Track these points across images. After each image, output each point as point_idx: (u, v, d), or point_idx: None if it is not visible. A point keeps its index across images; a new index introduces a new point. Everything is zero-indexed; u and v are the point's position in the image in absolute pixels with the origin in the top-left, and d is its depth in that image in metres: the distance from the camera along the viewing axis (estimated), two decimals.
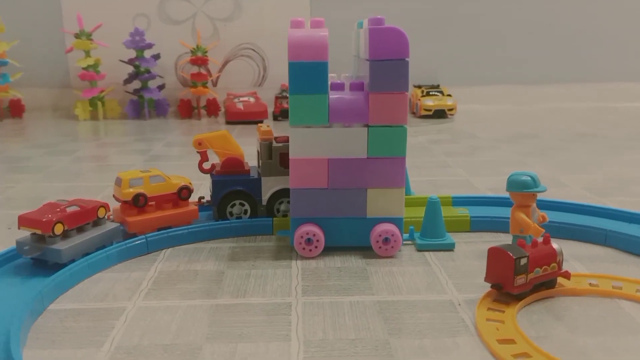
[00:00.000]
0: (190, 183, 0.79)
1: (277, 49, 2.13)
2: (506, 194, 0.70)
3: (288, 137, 0.81)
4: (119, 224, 0.72)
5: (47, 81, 2.14)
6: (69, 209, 0.67)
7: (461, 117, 1.99)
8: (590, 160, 1.25)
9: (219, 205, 0.79)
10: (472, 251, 0.73)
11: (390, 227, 0.71)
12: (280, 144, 0.79)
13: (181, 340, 0.52)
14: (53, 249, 0.64)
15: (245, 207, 0.80)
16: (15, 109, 2.01)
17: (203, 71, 2.02)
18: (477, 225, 0.80)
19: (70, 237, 0.66)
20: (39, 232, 0.64)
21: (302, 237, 0.71)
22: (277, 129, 1.76)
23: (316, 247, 0.72)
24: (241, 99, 1.94)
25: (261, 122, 1.89)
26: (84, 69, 1.95)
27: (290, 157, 0.71)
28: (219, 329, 0.54)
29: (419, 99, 1.99)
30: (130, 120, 1.96)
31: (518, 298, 0.57)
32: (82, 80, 1.97)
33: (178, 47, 2.10)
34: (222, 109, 2.01)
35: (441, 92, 2.02)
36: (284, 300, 0.60)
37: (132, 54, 2.00)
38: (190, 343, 0.52)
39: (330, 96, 0.70)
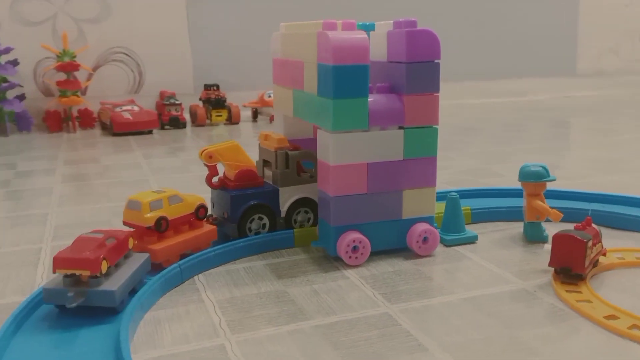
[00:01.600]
0: (204, 200, 0.72)
1: (153, 53, 1.98)
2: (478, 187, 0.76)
3: (297, 145, 0.79)
4: (147, 254, 0.62)
5: None
6: (108, 243, 0.56)
7: None
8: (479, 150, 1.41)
9: (239, 221, 0.73)
10: (493, 241, 0.77)
11: (428, 227, 0.72)
12: (297, 152, 0.76)
13: None
14: (103, 292, 0.53)
15: (264, 220, 0.75)
16: None
17: (71, 78, 1.79)
18: (477, 217, 0.86)
19: (111, 275, 0.56)
20: (85, 273, 0.52)
21: (348, 245, 0.69)
22: (172, 138, 1.65)
23: (362, 254, 0.70)
24: (124, 107, 1.77)
25: (151, 132, 1.76)
26: None
27: (331, 164, 0.68)
28: (348, 350, 0.50)
29: None
30: None
31: (581, 278, 0.63)
32: None
33: (37, 52, 1.83)
34: (106, 120, 1.81)
35: None
36: (380, 310, 0.58)
37: None
38: None
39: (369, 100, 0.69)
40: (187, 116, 1.93)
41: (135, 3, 1.95)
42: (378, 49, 0.76)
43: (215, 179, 0.75)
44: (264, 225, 0.75)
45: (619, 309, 0.56)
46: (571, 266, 0.63)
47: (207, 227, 0.71)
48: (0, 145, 1.57)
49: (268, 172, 0.79)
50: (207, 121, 1.91)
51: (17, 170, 1.24)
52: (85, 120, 1.82)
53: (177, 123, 1.84)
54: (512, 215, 0.85)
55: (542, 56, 2.63)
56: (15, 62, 1.73)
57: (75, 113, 1.81)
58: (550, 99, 2.45)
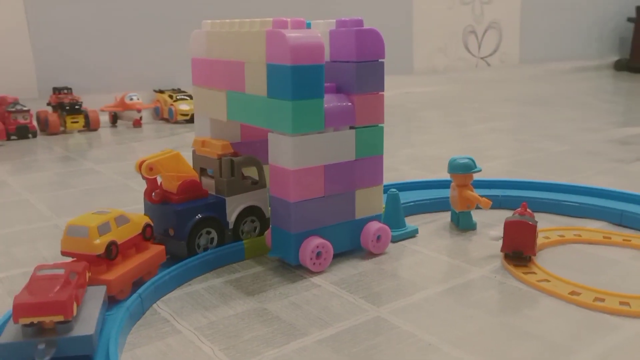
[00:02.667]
0: (148, 218, 0.63)
1: None
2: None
3: (235, 151, 0.74)
4: (104, 287, 0.53)
5: None
6: (72, 279, 0.46)
7: None
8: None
9: (188, 238, 0.65)
10: (430, 233, 0.80)
11: (380, 225, 0.73)
12: (241, 158, 0.70)
13: None
14: (79, 338, 0.43)
15: (212, 234, 0.68)
16: None
17: None
18: (407, 210, 0.88)
19: (78, 317, 0.46)
20: (57, 318, 0.42)
21: (313, 251, 0.66)
22: (25, 150, 1.44)
23: (325, 259, 0.68)
24: None
25: None
26: None
27: (292, 168, 0.64)
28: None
29: (173, 104, 1.91)
30: None
31: (529, 260, 0.68)
32: None
33: None
34: None
35: (190, 96, 1.97)
36: (370, 314, 0.56)
37: None
38: None
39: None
40: (35, 124, 1.70)
41: None
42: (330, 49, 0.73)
43: (152, 194, 0.67)
44: (212, 239, 0.69)
45: (577, 284, 0.62)
46: (523, 249, 0.68)
47: (155, 248, 0.63)
48: None
49: (207, 181, 0.73)
50: (61, 128, 1.70)
51: None
52: None
53: (25, 132, 1.60)
54: (434, 206, 0.89)
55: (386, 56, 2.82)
56: None
57: None
58: (393, 95, 2.64)
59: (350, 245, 0.72)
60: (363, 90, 0.70)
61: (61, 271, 0.47)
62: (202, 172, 0.74)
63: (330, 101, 0.68)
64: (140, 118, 1.87)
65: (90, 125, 1.75)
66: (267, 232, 0.72)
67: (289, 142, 0.65)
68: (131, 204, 0.94)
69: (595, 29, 3.66)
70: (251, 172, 0.75)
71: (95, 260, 0.56)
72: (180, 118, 1.91)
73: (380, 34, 0.70)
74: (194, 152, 0.74)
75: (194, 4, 2.10)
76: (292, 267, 0.68)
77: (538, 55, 3.45)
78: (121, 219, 0.59)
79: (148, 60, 2.05)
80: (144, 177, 0.66)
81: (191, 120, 1.94)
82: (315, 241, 0.67)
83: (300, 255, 0.67)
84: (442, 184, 0.96)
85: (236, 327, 0.55)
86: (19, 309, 0.43)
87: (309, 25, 0.75)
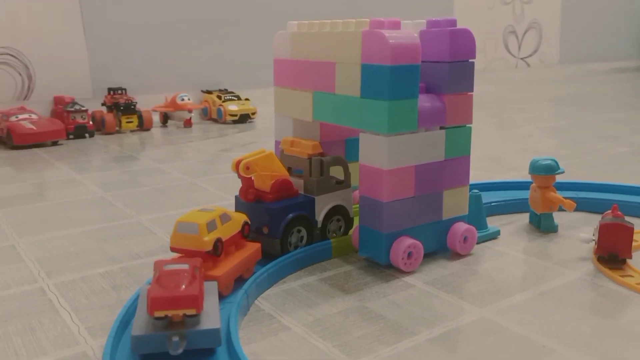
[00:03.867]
0: (246, 216, 0.64)
1: (44, 55, 1.74)
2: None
3: (323, 151, 0.75)
4: (215, 282, 0.54)
5: None
6: (197, 274, 0.47)
7: (263, 120, 2.01)
8: None
9: (282, 236, 0.66)
10: (512, 234, 0.79)
11: (468, 226, 0.72)
12: (330, 158, 0.71)
13: None
14: (207, 331, 0.44)
15: (302, 233, 0.69)
16: None
17: None
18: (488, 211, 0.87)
19: (202, 312, 0.47)
20: (189, 312, 0.43)
21: (404, 252, 0.66)
22: (84, 148, 1.47)
23: (416, 259, 0.68)
24: (20, 117, 1.53)
25: (56, 142, 1.54)
26: None
27: (386, 168, 0.65)
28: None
29: (222, 105, 1.93)
30: None
31: (624, 262, 0.67)
32: None
33: None
34: (1, 132, 1.56)
35: (237, 97, 1.99)
36: (475, 315, 0.56)
37: None
38: None
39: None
40: (91, 123, 1.74)
41: None
42: None
43: (247, 192, 0.68)
44: (302, 238, 0.70)
45: None
46: (619, 252, 0.67)
47: (253, 246, 0.64)
48: None
49: (295, 181, 0.73)
50: (117, 128, 1.73)
51: None
52: None
53: (83, 132, 1.64)
54: (510, 208, 0.88)
55: None
56: None
57: None
58: None
59: (437, 246, 0.72)
60: (454, 90, 0.70)
61: (186, 266, 0.48)
62: (288, 171, 0.75)
63: (423, 101, 0.68)
64: (191, 118, 1.90)
65: (144, 125, 1.79)
66: (353, 231, 0.73)
67: (383, 142, 0.65)
68: (204, 202, 0.96)
69: (635, 30, 3.59)
70: (336, 171, 0.75)
71: (203, 256, 0.57)
72: (228, 118, 1.93)
73: (473, 34, 0.70)
74: (281, 151, 0.75)
75: (241, 7, 2.12)
76: (380, 267, 0.68)
77: (578, 56, 3.40)
78: (225, 217, 0.60)
79: (195, 61, 2.08)
80: (239, 176, 0.67)
81: (239, 120, 1.96)
82: (407, 241, 0.67)
83: (392, 255, 0.67)
84: (515, 185, 0.95)
85: (343, 324, 0.55)
86: (155, 303, 0.44)
87: None
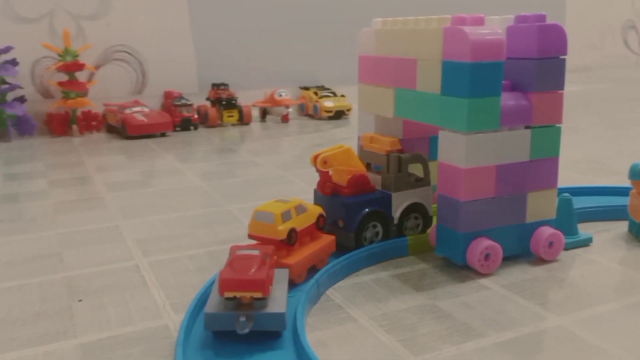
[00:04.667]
0: (322, 209, 0.67)
1: (156, 52, 1.89)
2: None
3: (402, 148, 0.75)
4: (287, 270, 0.57)
5: None
6: (267, 260, 0.50)
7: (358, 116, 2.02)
8: None
9: (357, 230, 0.68)
10: (606, 242, 0.74)
11: (553, 230, 0.69)
12: (408, 155, 0.71)
13: None
14: (273, 314, 0.47)
15: (377, 228, 0.70)
16: None
17: (75, 79, 1.68)
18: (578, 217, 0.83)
19: (270, 296, 0.50)
20: (256, 295, 0.46)
21: (481, 253, 0.65)
22: (189, 140, 1.57)
23: (494, 261, 0.66)
24: (134, 109, 1.67)
25: (164, 134, 1.67)
26: None
27: (464, 167, 0.64)
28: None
29: (317, 101, 1.98)
30: None
31: None
32: None
33: (33, 51, 1.70)
34: (114, 122, 1.72)
35: (333, 93, 2.03)
36: (551, 322, 0.54)
37: None
38: None
39: None
40: (196, 117, 1.85)
41: None
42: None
43: (325, 186, 0.70)
44: (377, 233, 0.71)
45: None
46: None
47: (327, 238, 0.66)
48: (9, 151, 1.46)
49: (372, 176, 0.75)
50: (218, 122, 1.84)
51: (49, 179, 1.14)
52: (91, 123, 1.72)
53: (188, 124, 1.75)
54: (607, 215, 0.83)
55: None
56: (14, 62, 1.61)
57: (79, 115, 1.70)
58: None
59: (519, 249, 0.70)
60: (542, 88, 0.67)
61: (257, 252, 0.51)
62: (367, 167, 0.76)
63: (506, 99, 0.66)
64: (288, 114, 1.96)
65: (244, 120, 1.87)
66: (431, 230, 0.72)
67: (462, 140, 0.64)
68: (291, 194, 0.99)
69: None
70: (416, 169, 0.75)
71: (277, 244, 0.60)
72: (324, 115, 1.97)
73: (564, 30, 0.67)
74: (361, 147, 0.76)
75: (339, 5, 2.15)
76: (457, 267, 0.67)
77: None
78: (300, 208, 0.63)
79: (294, 58, 2.14)
80: (317, 170, 0.69)
81: (335, 116, 1.99)
82: (485, 242, 0.66)
83: (468, 255, 0.66)
84: (615, 191, 0.89)
85: (410, 320, 0.55)
86: (225, 284, 0.47)
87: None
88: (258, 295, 0.47)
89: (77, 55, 1.69)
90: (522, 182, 0.69)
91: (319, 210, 0.65)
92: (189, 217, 0.88)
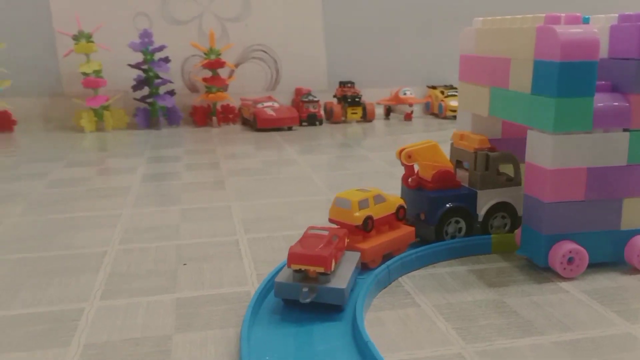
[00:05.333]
0: (403, 201, 0.70)
1: (289, 51, 2.03)
2: None
3: (493, 146, 0.75)
4: (359, 253, 0.62)
5: (35, 89, 1.89)
6: (334, 240, 0.56)
7: None
8: None
9: (437, 224, 0.71)
10: None
11: None
12: (498, 154, 0.72)
13: None
14: (334, 289, 0.52)
15: (460, 224, 0.72)
16: (4, 122, 1.75)
17: (217, 75, 1.87)
18: None
19: (335, 273, 0.55)
20: (318, 269, 0.52)
21: (564, 256, 0.64)
22: (312, 134, 1.67)
23: (578, 266, 0.65)
24: (265, 104, 1.82)
25: (291, 128, 1.79)
26: (86, 74, 1.74)
27: (549, 168, 0.64)
28: None
29: (443, 100, 1.98)
30: (142, 131, 1.77)
31: None
32: (83, 88, 1.75)
33: (184, 50, 1.92)
34: (247, 116, 1.89)
35: None
36: (620, 329, 0.52)
37: (137, 57, 1.81)
38: None
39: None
40: (322, 113, 1.95)
41: (273, 2, 2.00)
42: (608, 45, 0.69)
43: (409, 179, 0.73)
44: (460, 229, 0.73)
45: None
46: None
47: (406, 229, 0.69)
48: (157, 138, 1.67)
49: (461, 174, 0.76)
50: (342, 118, 1.92)
51: (184, 162, 1.30)
52: (228, 115, 1.89)
53: (314, 120, 1.86)
54: None
55: None
56: (167, 60, 1.83)
57: (219, 108, 1.89)
58: None
59: (611, 257, 0.67)
60: None
61: (326, 232, 0.56)
62: (458, 164, 0.77)
63: (602, 100, 0.64)
64: (412, 112, 1.98)
65: (367, 117, 1.93)
66: (518, 230, 0.72)
67: (549, 141, 0.63)
68: (391, 189, 1.03)
69: None
70: (508, 168, 0.75)
71: (354, 230, 0.64)
72: (449, 114, 1.96)
73: None
74: (452, 144, 0.78)
75: (468, 4, 2.11)
76: (540, 269, 0.67)
77: None
78: (378, 198, 0.66)
79: (422, 57, 2.15)
80: (402, 164, 0.72)
81: None
82: (568, 246, 0.64)
83: (550, 258, 0.65)
84: None
85: (472, 312, 0.57)
86: (292, 257, 0.53)
87: (586, 21, 0.71)
88: (320, 269, 0.52)
89: (220, 54, 1.87)
90: (617, 187, 0.66)
91: (399, 201, 0.69)
92: (292, 203, 0.95)
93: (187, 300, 0.59)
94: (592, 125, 0.64)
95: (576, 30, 0.62)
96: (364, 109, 1.92)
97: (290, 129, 1.79)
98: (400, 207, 0.69)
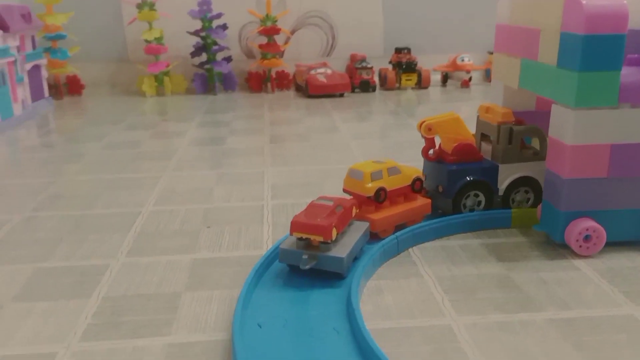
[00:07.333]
0: (423, 173, 0.71)
1: (346, 17, 2.01)
2: None
3: (520, 119, 0.74)
4: (368, 223, 0.64)
5: (102, 55, 2.00)
6: (338, 211, 0.58)
7: None
8: None
9: (455, 197, 0.71)
10: None
11: None
12: (522, 127, 0.71)
13: None
14: (333, 257, 0.55)
15: (480, 198, 0.72)
16: (74, 86, 1.87)
17: (272, 42, 1.90)
18: None
19: (338, 242, 0.58)
20: (318, 238, 0.55)
21: (580, 233, 0.63)
22: (363, 101, 1.67)
23: (595, 244, 0.64)
24: (318, 70, 1.83)
25: (342, 95, 1.80)
26: (148, 41, 1.82)
27: (569, 144, 0.62)
28: (594, 354, 0.45)
29: None
30: (199, 96, 1.84)
31: None
32: (146, 54, 1.83)
33: (240, 17, 1.96)
34: (300, 82, 1.91)
35: None
36: (623, 310, 0.51)
37: (196, 24, 1.87)
38: None
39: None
40: (376, 79, 1.94)
41: None
42: (633, 16, 0.66)
43: (431, 152, 0.73)
44: (479, 202, 0.72)
45: None
46: None
47: (422, 200, 0.69)
48: (212, 103, 1.73)
49: (486, 147, 0.75)
50: (396, 85, 1.89)
51: (230, 128, 1.35)
52: (282, 81, 1.92)
53: (367, 86, 1.85)
54: None
55: None
56: (224, 27, 1.87)
57: (273, 75, 1.92)
58: None
59: (633, 235, 0.65)
60: None
61: (330, 203, 0.58)
62: (483, 137, 0.76)
63: (630, 74, 0.61)
64: (470, 79, 1.93)
65: (422, 83, 1.90)
66: (540, 205, 0.70)
67: (570, 116, 0.61)
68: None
69: None
70: (536, 143, 0.73)
71: (366, 201, 0.65)
72: None
73: None
74: (478, 117, 0.76)
75: None
76: (557, 246, 0.66)
77: None
78: (393, 170, 0.67)
79: (483, 22, 2.07)
80: (422, 136, 0.72)
81: None
82: (586, 223, 0.63)
83: (566, 234, 0.64)
84: None
85: (474, 285, 0.57)
86: (294, 225, 0.56)
87: None
88: (320, 238, 0.54)
89: (276, 21, 1.89)
90: None
91: (416, 173, 0.69)
92: (324, 170, 0.97)
93: (202, 261, 0.63)
94: (618, 100, 0.61)
95: (604, 2, 0.59)
96: (419, 76, 1.88)
97: (342, 95, 1.80)
98: (417, 180, 0.69)
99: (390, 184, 0.66)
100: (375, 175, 0.66)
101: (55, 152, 1.15)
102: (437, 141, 0.74)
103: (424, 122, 0.71)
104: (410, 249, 0.66)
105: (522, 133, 0.71)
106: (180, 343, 0.48)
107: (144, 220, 0.76)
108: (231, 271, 0.61)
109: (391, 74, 1.87)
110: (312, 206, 0.58)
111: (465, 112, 1.47)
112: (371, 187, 0.65)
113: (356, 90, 1.86)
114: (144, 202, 0.83)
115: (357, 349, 0.45)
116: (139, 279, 0.59)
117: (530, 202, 0.73)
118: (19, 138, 1.30)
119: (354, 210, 0.61)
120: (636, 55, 0.63)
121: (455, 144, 0.71)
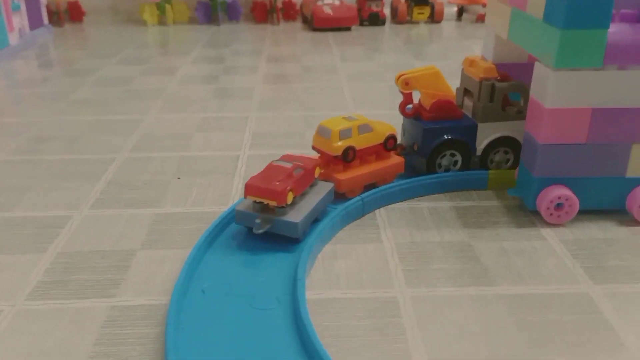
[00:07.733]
0: (394, 130, 0.68)
1: None
2: None
3: (506, 74, 0.69)
4: (332, 184, 0.62)
5: None
6: (296, 173, 0.56)
7: None
8: None
9: (429, 156, 0.68)
10: None
11: None
12: (505, 84, 0.67)
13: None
14: (288, 222, 0.54)
15: (456, 157, 0.70)
16: (75, 13, 1.83)
17: None
18: None
19: (296, 205, 0.56)
20: (272, 203, 0.54)
21: (551, 201, 0.61)
22: (370, 36, 1.60)
23: (567, 212, 0.61)
24: (325, 1, 1.75)
25: (349, 29, 1.72)
26: None
27: (547, 106, 0.59)
28: (536, 334, 0.44)
29: None
30: (202, 26, 1.78)
31: None
32: None
33: None
34: (307, 13, 1.83)
35: None
36: (579, 289, 0.50)
37: None
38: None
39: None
40: (387, 12, 1.85)
41: None
42: None
43: (409, 107, 0.70)
44: (456, 162, 0.70)
45: None
46: None
47: (395, 159, 0.67)
48: (214, 34, 1.68)
49: (468, 103, 0.71)
50: (408, 18, 1.81)
51: (225, 65, 1.32)
52: (288, 12, 1.85)
53: (376, 20, 1.77)
54: None
55: None
56: None
57: (279, 5, 1.84)
58: None
59: (611, 204, 0.62)
60: None
61: (289, 165, 0.56)
62: (466, 93, 0.72)
63: (619, 32, 0.56)
64: (485, 13, 1.82)
65: (435, 17, 1.81)
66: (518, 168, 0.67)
67: (550, 77, 0.57)
68: None
69: None
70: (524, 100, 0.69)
71: (333, 160, 0.63)
72: None
73: None
74: (462, 71, 0.72)
75: None
76: (529, 212, 0.63)
77: None
78: (364, 128, 0.64)
79: None
80: (400, 91, 0.68)
81: None
82: (559, 191, 0.60)
83: (538, 201, 0.61)
84: None
85: (432, 253, 0.56)
86: (248, 189, 0.54)
87: None
88: (273, 203, 0.53)
89: None
90: (627, 131, 0.59)
91: (389, 131, 0.66)
92: (310, 117, 0.95)
93: (164, 216, 0.63)
94: (603, 61, 0.56)
95: None
96: (432, 9, 1.79)
97: (349, 29, 1.73)
98: (390, 137, 0.66)
99: (360, 142, 0.64)
100: (344, 134, 0.63)
101: (46, 87, 1.14)
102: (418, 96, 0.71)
103: (401, 75, 0.67)
104: (377, 211, 0.64)
105: (505, 89, 0.66)
106: (123, 306, 0.48)
107: (116, 168, 0.75)
108: (191, 228, 0.60)
109: (403, 7, 1.78)
110: (269, 168, 0.56)
111: (477, 53, 1.40)
112: (339, 146, 0.62)
113: (365, 23, 1.78)
114: (121, 148, 0.82)
115: (294, 322, 0.45)
116: (97, 233, 0.59)
117: (509, 164, 0.70)
118: (12, 70, 1.29)
119: (317, 171, 0.60)
120: (631, 11, 0.58)
121: (434, 100, 0.68)
